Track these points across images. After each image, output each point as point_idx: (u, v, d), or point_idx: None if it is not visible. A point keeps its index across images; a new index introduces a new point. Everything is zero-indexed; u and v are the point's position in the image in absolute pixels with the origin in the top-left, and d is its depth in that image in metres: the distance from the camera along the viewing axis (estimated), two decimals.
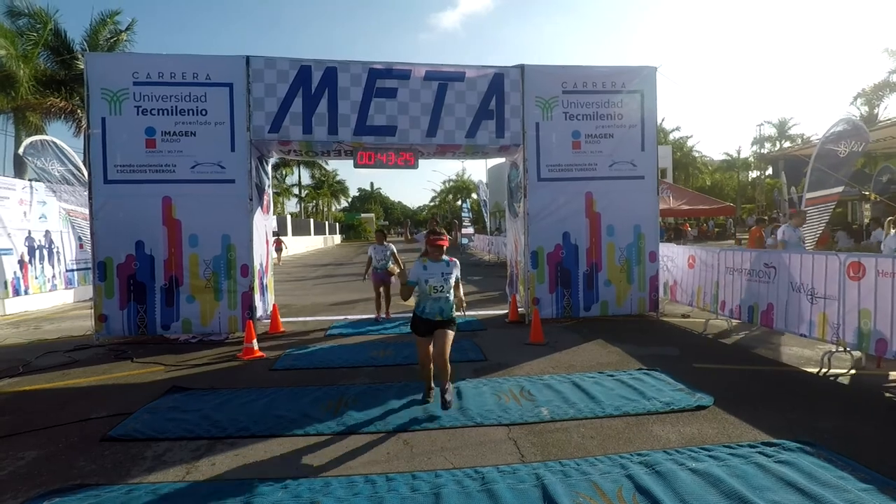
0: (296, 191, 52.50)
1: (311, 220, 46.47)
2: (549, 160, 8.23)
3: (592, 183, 8.30)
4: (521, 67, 8.16)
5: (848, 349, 5.45)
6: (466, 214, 42.10)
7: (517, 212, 8.90)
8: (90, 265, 11.57)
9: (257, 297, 7.64)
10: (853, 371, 5.33)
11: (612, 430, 3.86)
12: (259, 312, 7.68)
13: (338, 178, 61.22)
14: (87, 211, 10.93)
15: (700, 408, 4.21)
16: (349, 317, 9.10)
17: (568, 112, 8.27)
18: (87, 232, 10.95)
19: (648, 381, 4.96)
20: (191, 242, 7.28)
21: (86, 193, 11.15)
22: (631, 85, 8.41)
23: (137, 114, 7.24)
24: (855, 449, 3.37)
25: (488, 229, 31.36)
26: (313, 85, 7.55)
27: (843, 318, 5.32)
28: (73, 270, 12.03)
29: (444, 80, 7.90)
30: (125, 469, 3.38)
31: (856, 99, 27.02)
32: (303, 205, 54.95)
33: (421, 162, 8.31)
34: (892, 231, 7.16)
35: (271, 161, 9.00)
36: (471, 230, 39.55)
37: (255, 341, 6.47)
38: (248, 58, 7.40)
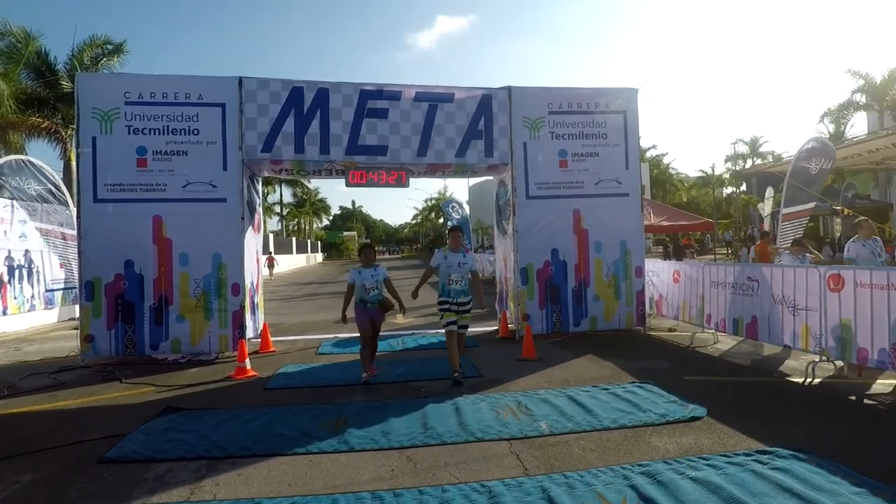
0: (277, 209, 52.17)
1: (294, 239, 46.16)
2: (537, 178, 8.42)
3: (579, 200, 8.50)
4: (508, 89, 8.39)
5: (831, 359, 5.65)
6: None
7: (506, 229, 9.05)
8: (71, 285, 11.45)
9: (248, 315, 7.59)
10: (837, 380, 5.52)
11: (611, 442, 3.94)
12: (249, 332, 7.62)
13: (319, 196, 61.15)
14: (64, 230, 10.83)
15: (694, 418, 4.32)
16: (338, 335, 9.06)
17: (554, 132, 8.50)
18: (65, 252, 10.83)
19: (642, 393, 5.07)
20: (181, 261, 7.23)
21: (66, 212, 11.06)
22: (614, 105, 8.70)
23: (129, 133, 7.23)
24: (844, 455, 3.50)
25: (471, 247, 31.53)
26: (305, 105, 7.64)
27: (825, 328, 5.53)
28: (52, 290, 11.77)
29: (433, 101, 8.08)
30: (126, 491, 3.33)
31: (823, 118, 28.18)
32: (284, 223, 54.61)
33: (410, 180, 8.42)
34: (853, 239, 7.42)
35: (261, 179, 9.01)
36: None
37: (247, 360, 6.42)
38: (240, 79, 7.48)
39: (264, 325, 8.26)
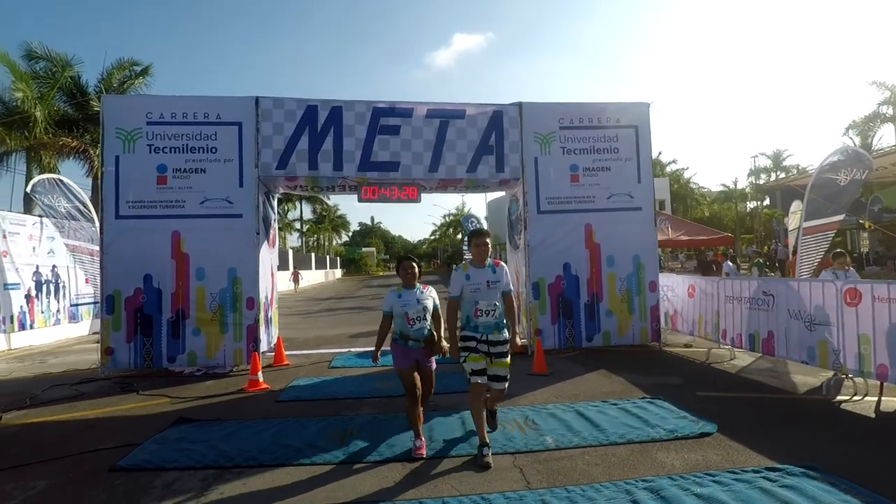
0: (297, 225, 52.99)
1: (313, 255, 46.75)
2: (549, 193, 8.44)
3: (591, 215, 8.48)
4: (519, 105, 8.48)
5: (849, 375, 5.49)
6: (466, 248, 42.36)
7: (518, 244, 9.06)
8: (95, 300, 11.80)
9: (262, 329, 7.71)
10: (856, 397, 5.36)
11: (616, 457, 3.89)
12: (263, 345, 7.74)
13: (339, 212, 62.00)
14: (91, 247, 11.18)
15: (704, 435, 4.24)
16: (352, 349, 9.13)
17: (565, 147, 8.54)
18: (91, 267, 11.15)
19: (652, 409, 4.99)
20: (198, 276, 7.41)
21: (92, 229, 11.44)
22: (625, 120, 8.71)
23: (150, 152, 7.50)
24: (858, 473, 3.39)
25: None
26: (319, 123, 7.84)
27: (843, 344, 5.39)
28: (77, 305, 12.11)
29: (445, 117, 8.20)
30: (135, 498, 3.41)
31: (847, 130, 27.71)
32: (304, 239, 55.36)
33: (423, 196, 8.53)
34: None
35: (277, 196, 9.22)
36: None
37: (260, 373, 6.52)
38: (257, 98, 7.72)
39: (278, 338, 8.37)
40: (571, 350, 8.22)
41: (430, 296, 4.29)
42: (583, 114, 8.62)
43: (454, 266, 4.77)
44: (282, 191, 9.05)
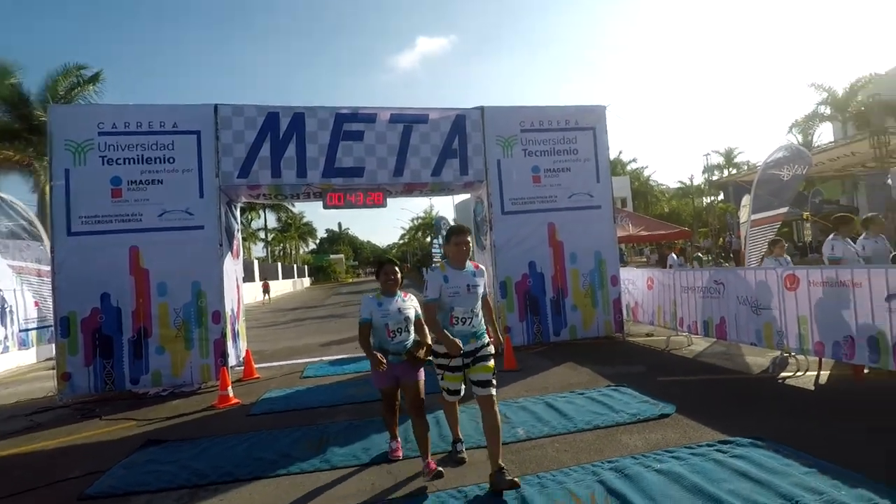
0: (262, 234, 51.93)
1: (279, 264, 45.88)
2: (512, 194, 8.65)
3: (553, 214, 8.74)
4: (481, 109, 8.67)
5: (792, 353, 5.88)
6: (437, 251, 42.53)
7: (484, 244, 9.23)
8: (46, 323, 11.20)
9: (230, 343, 7.60)
10: (798, 373, 5.74)
11: (583, 442, 4.08)
12: (232, 360, 7.62)
13: (305, 220, 61.06)
14: (40, 267, 10.67)
15: (664, 416, 4.49)
16: (324, 358, 9.10)
17: (527, 149, 8.77)
18: (40, 289, 10.63)
19: (616, 396, 5.22)
20: (159, 291, 7.24)
21: (40, 248, 10.95)
22: (584, 122, 9.02)
23: (103, 164, 7.26)
24: (799, 441, 3.69)
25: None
26: (281, 130, 7.80)
27: (785, 325, 5.76)
28: (27, 330, 11.55)
29: (408, 122, 8.30)
30: None
31: (791, 129, 29.30)
32: (269, 249, 54.30)
33: (389, 200, 8.61)
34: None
35: (239, 205, 9.10)
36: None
37: (230, 388, 6.43)
38: (216, 106, 7.61)
39: (247, 351, 8.25)
40: (540, 345, 8.43)
41: (412, 305, 3.91)
42: (543, 117, 8.88)
43: (427, 268, 4.49)
44: (244, 200, 8.94)
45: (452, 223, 32.14)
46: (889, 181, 5.23)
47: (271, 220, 54.03)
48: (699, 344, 7.76)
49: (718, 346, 7.52)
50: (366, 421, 5.11)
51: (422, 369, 3.87)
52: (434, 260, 30.41)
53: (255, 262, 37.04)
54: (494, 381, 3.51)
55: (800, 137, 28.42)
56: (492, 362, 3.56)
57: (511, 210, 8.64)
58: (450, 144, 8.49)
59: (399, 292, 3.95)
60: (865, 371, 5.35)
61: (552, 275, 8.68)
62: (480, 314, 3.66)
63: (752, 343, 6.38)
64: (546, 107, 9.04)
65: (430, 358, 3.75)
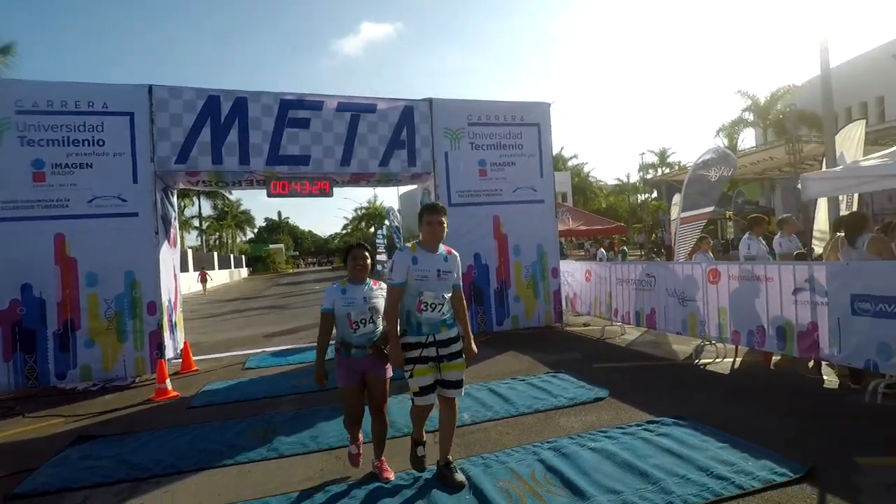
0: (196, 223, 49.53)
1: (215, 254, 43.98)
2: (459, 187, 8.81)
3: (498, 207, 8.99)
4: (430, 101, 8.74)
5: (713, 342, 6.43)
6: (381, 241, 42.19)
7: None
8: None
9: (167, 335, 7.32)
10: (717, 359, 6.28)
11: (525, 425, 4.31)
12: (169, 352, 7.34)
13: (242, 208, 58.73)
14: None
15: (598, 399, 4.82)
16: (266, 349, 8.93)
17: (474, 142, 8.95)
18: None
19: (555, 382, 5.52)
20: (89, 281, 6.85)
21: None
22: (529, 118, 9.30)
23: (22, 145, 6.76)
24: (715, 420, 4.09)
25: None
26: (223, 115, 7.54)
27: (707, 315, 6.29)
28: None
29: (356, 111, 8.25)
30: None
31: (718, 132, 31.32)
32: (204, 238, 51.92)
33: (335, 190, 8.53)
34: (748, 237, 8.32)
35: (175, 192, 8.71)
36: (384, 257, 39.63)
37: (168, 381, 6.22)
38: (150, 87, 7.25)
39: (185, 343, 7.97)
40: (484, 335, 8.68)
41: (381, 294, 3.52)
42: (490, 111, 9.08)
43: (397, 250, 3.42)
44: (182, 186, 8.57)
45: (398, 214, 31.93)
46: (799, 186, 5.83)
47: (206, 208, 51.66)
48: (631, 333, 8.28)
49: (649, 335, 8.05)
50: (312, 410, 5.13)
51: (389, 365, 3.47)
52: (378, 251, 30.17)
53: (189, 252, 35.32)
54: (463, 382, 3.33)
55: (726, 141, 30.46)
56: (463, 358, 3.32)
57: (458, 202, 8.80)
58: (398, 135, 8.52)
59: (369, 280, 3.58)
60: (776, 358, 5.93)
61: (496, 266, 8.94)
62: (449, 302, 3.29)
63: (678, 332, 6.91)
64: (493, 101, 9.25)
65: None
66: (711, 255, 7.57)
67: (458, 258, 3.39)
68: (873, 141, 13.02)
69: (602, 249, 15.51)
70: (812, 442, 3.62)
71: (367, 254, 3.57)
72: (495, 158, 9.08)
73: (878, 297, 4.38)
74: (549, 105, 9.55)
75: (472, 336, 3.38)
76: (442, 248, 3.33)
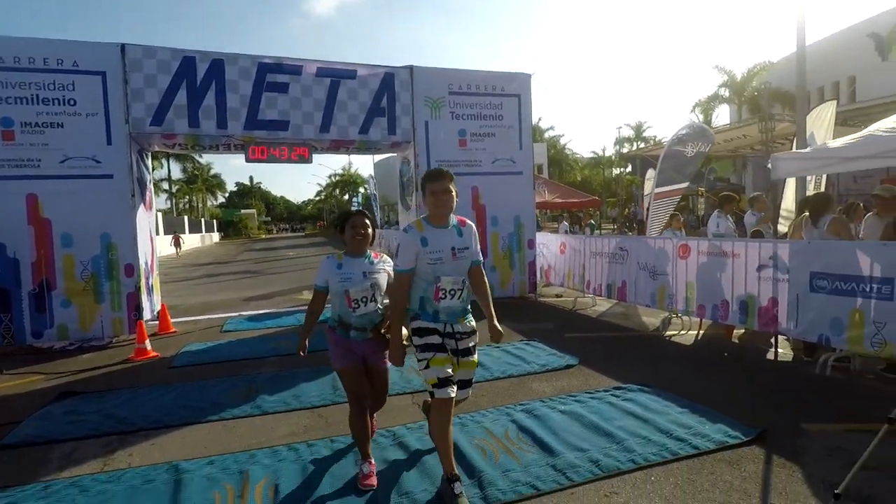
0: (165, 186, 48.14)
1: (186, 218, 42.99)
2: (438, 156, 8.86)
3: (477, 178, 9.09)
4: (411, 68, 8.67)
5: (679, 314, 6.79)
6: (356, 209, 41.70)
7: (409, 205, 9.43)
8: None
9: (144, 297, 7.31)
10: (682, 332, 6.65)
11: (499, 389, 4.57)
12: (147, 313, 7.35)
13: (213, 171, 57.15)
14: None
15: (569, 366, 5.11)
16: (242, 313, 8.99)
17: (454, 112, 8.96)
18: None
19: (528, 349, 5.79)
20: (64, 242, 6.75)
21: None
22: (509, 89, 9.32)
23: None
24: (677, 387, 4.41)
25: (379, 223, 31.50)
26: (199, 77, 7.36)
27: (676, 289, 6.61)
28: None
29: (335, 76, 8.14)
30: (32, 470, 3.32)
31: (694, 108, 31.61)
32: (174, 201, 50.59)
33: (313, 156, 8.48)
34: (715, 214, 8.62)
35: (150, 155, 8.53)
36: None
37: (147, 341, 6.27)
38: (123, 45, 7.01)
39: (162, 305, 7.98)
40: None
41: (384, 268, 3.16)
42: (471, 80, 9.07)
43: (405, 229, 2.82)
44: (157, 149, 8.40)
45: (372, 181, 31.44)
46: (769, 165, 6.06)
47: (175, 171, 50.16)
48: (602, 305, 8.62)
49: (619, 307, 8.41)
50: (293, 371, 5.29)
51: (388, 355, 3.03)
52: (346, 235, 29.90)
53: (159, 215, 34.44)
54: (472, 381, 2.98)
55: (701, 117, 30.79)
56: (477, 356, 2.96)
57: None
58: (378, 102, 8.47)
59: (369, 252, 3.18)
60: (738, 331, 6.30)
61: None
62: (468, 285, 2.84)
63: (647, 305, 7.24)
64: (474, 71, 9.23)
65: (407, 341, 2.91)
66: (682, 232, 7.84)
67: (474, 228, 2.91)
68: (842, 122, 13.42)
69: (566, 222, 15.79)
70: (765, 409, 3.94)
71: (367, 222, 3.14)
72: (475, 129, 9.12)
73: (834, 276, 4.64)
74: (530, 76, 9.58)
75: (494, 314, 2.93)
76: (453, 219, 2.82)
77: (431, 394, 2.78)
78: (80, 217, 6.77)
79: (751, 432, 3.44)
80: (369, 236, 3.16)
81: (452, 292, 2.76)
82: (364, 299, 3.06)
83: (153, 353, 6.20)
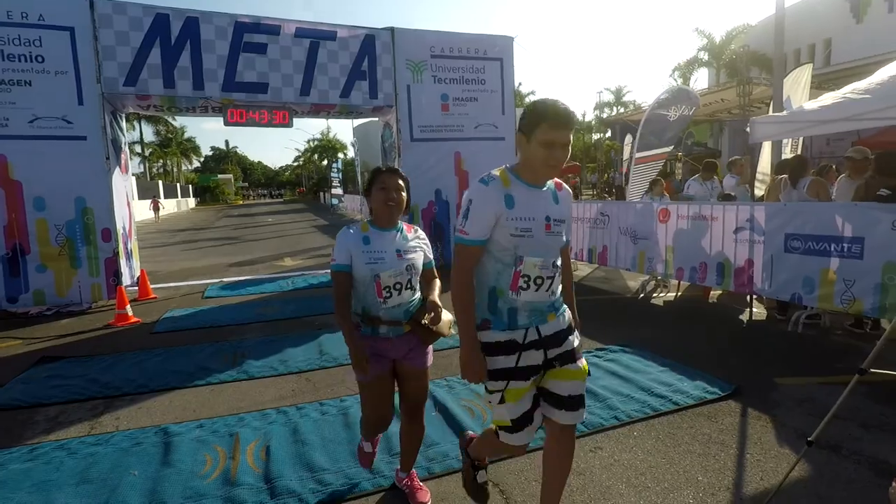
0: (138, 149, 46.54)
1: (160, 182, 41.85)
2: (421, 121, 8.75)
3: (460, 143, 9.03)
4: (392, 30, 8.45)
5: (659, 278, 6.97)
6: (336, 175, 41.17)
7: None
8: None
9: (122, 262, 7.19)
10: (661, 294, 6.85)
11: None
12: (126, 279, 7.25)
13: (187, 135, 55.42)
14: None
15: None
16: (224, 279, 8.92)
17: (436, 76, 8.80)
18: None
19: None
20: (36, 206, 6.56)
21: None
22: (492, 52, 9.16)
23: None
24: (657, 347, 4.57)
25: (360, 189, 31.09)
26: (173, 36, 7.07)
27: (656, 253, 6.76)
28: None
29: (315, 38, 7.89)
30: (17, 434, 3.32)
31: (673, 72, 31.53)
32: (147, 165, 49.08)
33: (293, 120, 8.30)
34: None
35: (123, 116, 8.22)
36: (340, 191, 38.93)
37: (128, 307, 6.20)
38: (91, 0, 6.65)
39: (142, 271, 7.86)
40: (443, 270, 8.97)
41: (421, 245, 2.42)
42: (453, 43, 8.88)
43: (480, 181, 1.89)
44: (131, 110, 8.10)
45: (354, 146, 30.89)
46: (748, 129, 6.18)
47: (148, 133, 48.46)
48: (583, 269, 8.77)
49: (599, 271, 8.58)
50: (280, 336, 5.30)
51: (430, 350, 2.43)
52: (333, 185, 29.54)
53: (133, 179, 33.44)
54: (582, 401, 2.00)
55: (680, 81, 30.80)
56: (585, 361, 2.03)
57: (420, 137, 8.77)
58: (359, 65, 8.26)
59: (401, 224, 2.39)
60: (716, 292, 6.51)
61: (457, 203, 9.10)
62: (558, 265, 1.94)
63: (627, 268, 7.40)
64: (456, 33, 9.04)
65: (448, 318, 2.30)
66: (666, 197, 7.90)
67: (570, 193, 2.05)
68: (818, 85, 13.54)
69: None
70: (740, 366, 4.13)
71: (402, 183, 2.31)
72: (458, 93, 9.00)
73: (807, 236, 4.82)
74: (513, 39, 9.42)
75: (575, 306, 2.15)
76: (550, 183, 1.97)
77: (497, 434, 1.99)
78: (53, 180, 6.56)
79: (727, 387, 3.62)
80: (403, 203, 2.30)
81: (539, 280, 1.84)
82: (398, 286, 2.25)
83: (134, 319, 6.14)
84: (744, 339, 4.91)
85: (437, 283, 2.43)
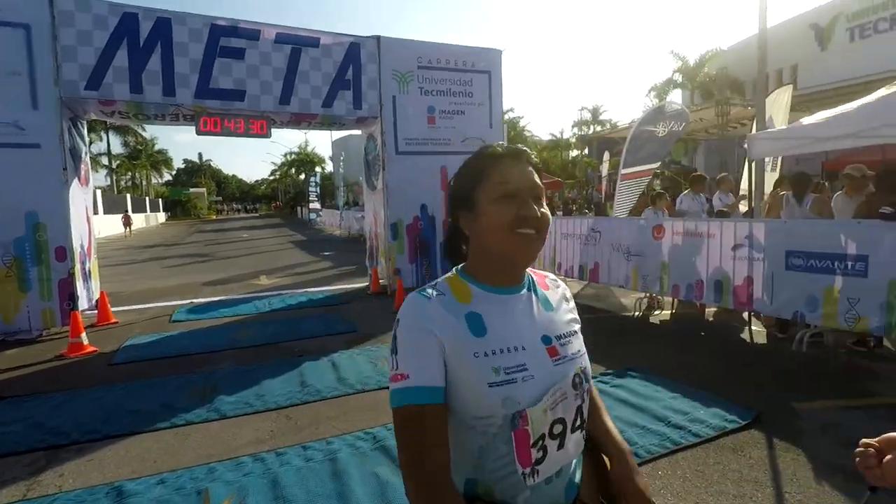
0: (105, 161, 45.00)
1: (128, 196, 40.41)
2: (407, 134, 8.40)
3: (446, 157, 8.68)
4: (377, 39, 8.12)
5: (654, 295, 6.70)
6: (314, 189, 40.52)
7: (375, 185, 8.94)
8: None
9: (79, 284, 6.55)
10: (656, 312, 6.58)
11: None
12: (83, 303, 6.60)
13: (158, 147, 53.93)
14: None
15: None
16: (195, 300, 8.32)
17: (423, 87, 8.49)
18: None
19: None
20: None
21: None
22: (480, 65, 8.91)
23: None
24: (660, 369, 4.28)
25: (341, 203, 30.44)
26: (142, 37, 6.57)
27: (650, 270, 6.50)
28: None
29: (296, 44, 7.50)
30: None
31: (649, 92, 32.19)
32: (115, 178, 47.48)
33: (272, 131, 7.84)
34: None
35: (85, 123, 7.63)
36: (318, 205, 38.27)
37: (83, 335, 5.59)
38: None
39: (101, 293, 7.22)
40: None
41: (575, 316, 1.21)
42: (440, 55, 8.59)
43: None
44: (93, 117, 7.52)
45: (339, 159, 30.30)
46: (745, 145, 6.15)
47: (115, 145, 46.93)
48: (574, 287, 8.47)
49: (590, 288, 8.29)
50: (255, 366, 4.80)
51: None
52: (310, 199, 29.05)
53: (98, 193, 32.14)
54: None
55: (656, 101, 31.42)
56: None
57: (405, 150, 8.42)
58: (343, 74, 7.89)
59: (529, 274, 1.15)
60: (712, 309, 6.27)
61: (443, 219, 8.74)
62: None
63: (620, 286, 7.12)
64: (444, 44, 8.77)
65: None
66: (665, 213, 7.63)
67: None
68: (792, 108, 13.83)
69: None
70: (752, 389, 3.86)
71: (539, 181, 1.06)
72: (445, 106, 8.70)
73: (810, 254, 4.68)
74: (501, 52, 9.21)
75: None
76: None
77: None
78: (0, 192, 5.93)
79: (747, 415, 3.35)
80: (549, 222, 1.07)
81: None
82: (560, 427, 1.00)
83: (90, 348, 5.52)
84: (749, 359, 4.69)
85: (604, 412, 1.23)
